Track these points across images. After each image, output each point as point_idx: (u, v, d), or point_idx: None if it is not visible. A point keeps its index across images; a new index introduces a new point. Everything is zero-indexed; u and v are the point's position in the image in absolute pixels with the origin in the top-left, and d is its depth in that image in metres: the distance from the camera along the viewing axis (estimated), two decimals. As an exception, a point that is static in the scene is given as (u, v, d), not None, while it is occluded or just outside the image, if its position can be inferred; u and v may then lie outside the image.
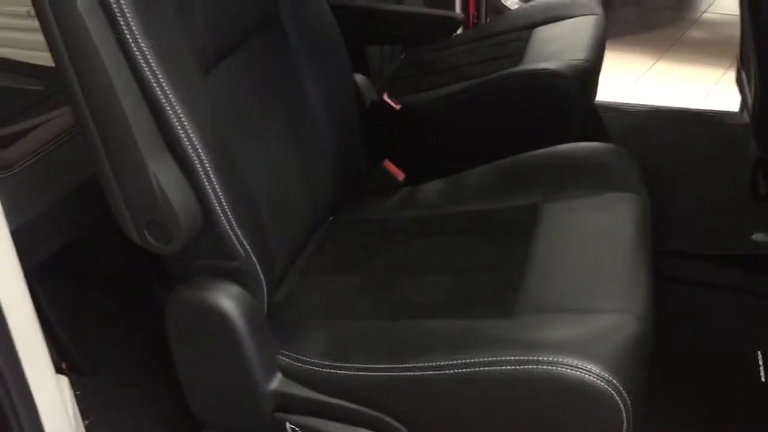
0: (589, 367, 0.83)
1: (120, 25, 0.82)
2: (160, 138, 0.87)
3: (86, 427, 0.99)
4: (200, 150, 0.88)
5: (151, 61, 0.84)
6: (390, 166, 1.33)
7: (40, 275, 1.23)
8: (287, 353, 0.99)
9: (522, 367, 0.85)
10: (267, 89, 1.11)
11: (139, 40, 0.83)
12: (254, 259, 0.96)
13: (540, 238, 1.08)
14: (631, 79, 2.68)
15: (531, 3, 1.94)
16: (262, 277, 0.98)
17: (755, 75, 1.29)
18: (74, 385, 1.08)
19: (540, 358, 0.85)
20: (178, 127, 0.87)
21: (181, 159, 0.88)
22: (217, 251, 0.94)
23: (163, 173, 0.87)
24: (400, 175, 1.32)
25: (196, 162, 0.89)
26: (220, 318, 0.95)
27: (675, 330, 1.30)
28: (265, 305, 1.00)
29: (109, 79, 0.82)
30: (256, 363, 0.97)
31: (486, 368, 0.87)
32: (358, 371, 0.94)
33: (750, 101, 1.37)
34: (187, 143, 0.88)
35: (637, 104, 2.15)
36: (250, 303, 0.97)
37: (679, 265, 1.49)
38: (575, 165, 1.20)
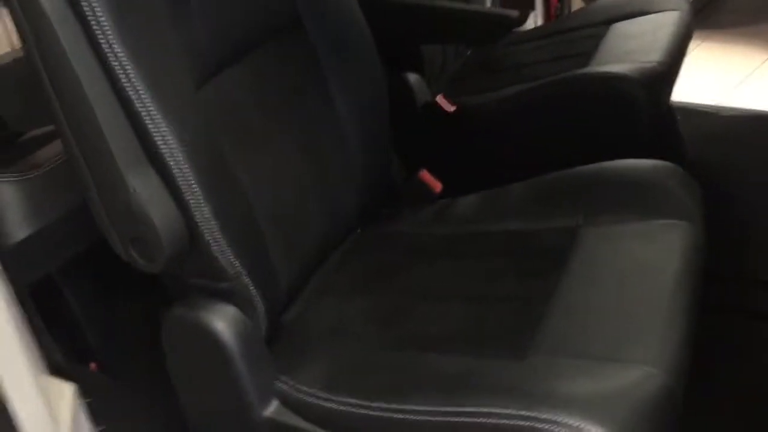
0: (593, 430, 0.72)
1: (94, 31, 0.77)
2: (142, 152, 0.82)
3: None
4: (184, 165, 0.83)
5: (128, 68, 0.79)
6: (427, 176, 1.24)
7: (68, 275, 1.24)
8: (285, 379, 0.93)
9: (519, 423, 0.75)
10: (281, 99, 1.04)
11: (115, 46, 0.78)
12: (247, 280, 0.90)
13: (572, 269, 0.97)
14: (737, 79, 2.43)
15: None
16: (257, 299, 0.92)
17: None
18: (90, 391, 1.07)
19: (539, 416, 0.75)
20: (160, 141, 0.82)
21: (164, 174, 0.83)
22: (206, 271, 0.89)
23: (144, 188, 0.82)
24: (438, 187, 1.23)
25: (180, 178, 0.83)
26: (212, 339, 0.90)
27: (724, 367, 1.15)
28: (263, 328, 0.95)
29: (81, 88, 0.78)
30: (250, 387, 0.92)
31: (479, 419, 0.78)
32: (353, 407, 0.87)
33: None
34: (170, 158, 0.82)
35: (731, 108, 1.93)
36: (245, 325, 0.91)
37: (758, 297, 1.32)
38: (623, 184, 1.07)
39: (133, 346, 1.36)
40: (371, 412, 0.85)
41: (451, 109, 1.45)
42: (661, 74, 1.34)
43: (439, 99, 1.46)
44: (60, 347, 1.21)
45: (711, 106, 1.90)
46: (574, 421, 0.73)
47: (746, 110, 1.91)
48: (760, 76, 2.46)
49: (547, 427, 0.74)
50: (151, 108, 0.80)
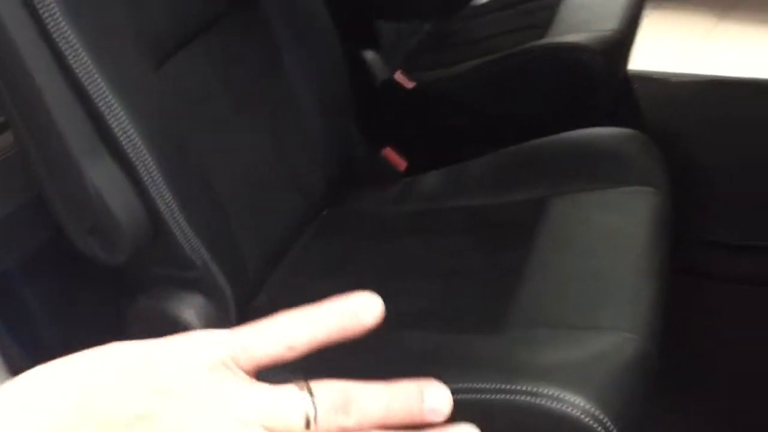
0: (573, 399, 0.72)
1: (40, 12, 0.73)
2: (97, 136, 0.79)
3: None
4: (144, 150, 0.80)
5: (80, 51, 0.75)
6: (391, 154, 1.23)
7: (25, 270, 1.19)
8: (257, 367, 0.92)
9: (498, 396, 0.75)
10: (240, 76, 1.02)
11: (64, 28, 0.74)
12: (215, 268, 0.88)
13: (541, 239, 0.97)
14: (687, 45, 2.46)
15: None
16: (225, 287, 0.90)
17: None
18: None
19: (519, 388, 0.74)
20: (115, 125, 0.78)
21: (122, 160, 0.80)
22: (171, 260, 0.87)
23: (101, 176, 0.79)
24: (402, 165, 1.22)
25: (139, 164, 0.80)
26: (178, 329, 0.87)
27: (710, 333, 1.17)
28: (233, 316, 0.92)
29: (31, 74, 0.74)
30: (221, 377, 0.90)
31: (457, 396, 0.77)
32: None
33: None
34: (127, 143, 0.79)
35: (688, 74, 1.95)
36: (214, 315, 0.89)
37: (723, 260, 1.34)
38: (588, 154, 1.07)
39: (97, 342, 1.33)
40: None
41: (410, 85, 1.44)
42: (618, 42, 1.34)
43: (398, 76, 1.45)
44: (19, 346, 1.16)
45: (665, 73, 1.92)
46: (552, 391, 0.73)
47: (699, 76, 1.94)
48: (712, 41, 2.49)
49: (525, 398, 0.73)
50: (105, 92, 0.77)
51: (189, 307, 0.88)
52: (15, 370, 0.98)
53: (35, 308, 1.23)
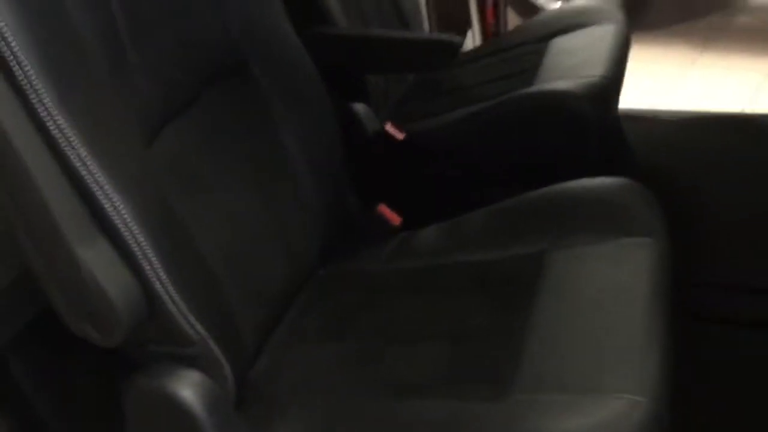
0: (585, 471, 0.71)
1: (28, 97, 0.72)
2: (90, 220, 0.77)
3: None
4: (136, 230, 0.78)
5: (69, 135, 0.74)
6: (385, 210, 1.21)
7: (15, 344, 1.16)
8: (259, 444, 0.89)
9: (508, 469, 0.73)
10: (229, 145, 1.01)
11: (54, 113, 0.73)
12: (212, 342, 0.86)
13: (544, 296, 0.95)
14: (670, 79, 2.49)
15: (550, 10, 1.80)
16: (223, 360, 0.88)
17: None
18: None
19: (528, 461, 0.73)
20: (109, 207, 0.77)
21: (115, 242, 0.78)
22: (168, 337, 0.85)
23: (95, 260, 0.77)
24: (396, 220, 1.21)
25: (133, 245, 0.78)
26: (178, 408, 0.85)
27: (714, 380, 1.15)
28: (232, 392, 0.90)
29: (20, 158, 0.72)
30: (223, 456, 0.87)
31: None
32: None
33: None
34: (121, 224, 0.77)
35: (674, 111, 1.96)
36: (213, 391, 0.87)
37: (725, 302, 1.33)
38: (585, 205, 1.06)
39: (87, 416, 1.30)
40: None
41: (401, 136, 1.43)
42: (607, 87, 1.35)
43: (388, 127, 1.44)
44: (8, 422, 1.14)
45: (652, 111, 1.94)
46: (565, 463, 0.71)
47: (686, 112, 1.95)
48: (694, 74, 2.52)
49: (537, 472, 0.72)
50: (96, 174, 0.75)
51: (187, 384, 0.85)
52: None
53: (25, 384, 1.20)
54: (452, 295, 1.03)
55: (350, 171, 1.24)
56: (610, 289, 0.94)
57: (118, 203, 0.77)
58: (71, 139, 0.74)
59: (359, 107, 1.46)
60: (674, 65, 2.55)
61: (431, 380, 0.90)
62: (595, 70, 1.37)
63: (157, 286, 0.81)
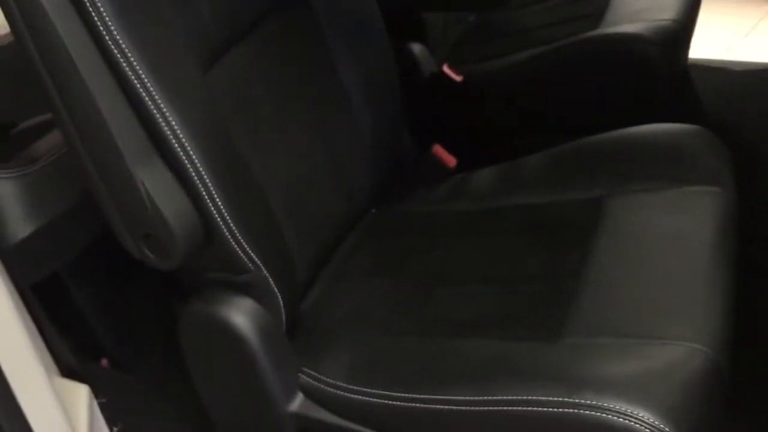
0: (641, 414, 0.69)
1: (91, 16, 0.72)
2: (149, 142, 0.78)
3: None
4: (194, 155, 0.78)
5: (130, 55, 0.74)
6: (440, 151, 1.19)
7: (75, 270, 1.19)
8: (308, 372, 0.90)
9: (560, 410, 0.72)
10: (288, 76, 0.99)
11: (115, 33, 0.73)
12: (266, 272, 0.86)
13: (600, 242, 0.93)
14: (743, 31, 2.38)
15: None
16: (276, 290, 0.88)
17: None
18: (105, 390, 1.04)
19: (582, 401, 0.71)
20: (167, 130, 0.77)
21: (174, 166, 0.79)
22: (223, 265, 0.85)
23: (153, 182, 0.77)
24: (452, 162, 1.19)
25: (190, 169, 0.79)
26: (231, 334, 0.87)
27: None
28: (284, 319, 0.91)
29: (82, 80, 0.73)
30: (273, 382, 0.88)
31: (517, 408, 0.74)
32: (376, 398, 0.84)
33: None
34: (178, 148, 0.78)
35: (745, 62, 1.87)
36: (265, 318, 0.88)
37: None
38: (648, 151, 1.03)
39: (145, 340, 1.33)
40: (393, 402, 0.82)
41: (459, 78, 1.40)
42: (677, 32, 1.29)
43: (446, 68, 1.41)
44: (69, 346, 1.17)
45: (721, 61, 1.85)
46: (620, 406, 0.70)
47: (757, 63, 1.86)
48: (764, 27, 2.40)
49: (592, 413, 0.70)
50: (156, 96, 0.76)
51: (241, 311, 0.86)
52: (66, 372, 0.98)
53: (86, 309, 1.23)
54: (507, 238, 1.02)
55: (407, 111, 1.22)
56: (671, 236, 0.91)
57: (175, 126, 0.77)
58: (130, 57, 0.74)
59: (417, 47, 1.42)
60: (746, 17, 2.44)
61: (483, 321, 0.89)
62: (666, 13, 1.31)
63: (213, 211, 0.81)
